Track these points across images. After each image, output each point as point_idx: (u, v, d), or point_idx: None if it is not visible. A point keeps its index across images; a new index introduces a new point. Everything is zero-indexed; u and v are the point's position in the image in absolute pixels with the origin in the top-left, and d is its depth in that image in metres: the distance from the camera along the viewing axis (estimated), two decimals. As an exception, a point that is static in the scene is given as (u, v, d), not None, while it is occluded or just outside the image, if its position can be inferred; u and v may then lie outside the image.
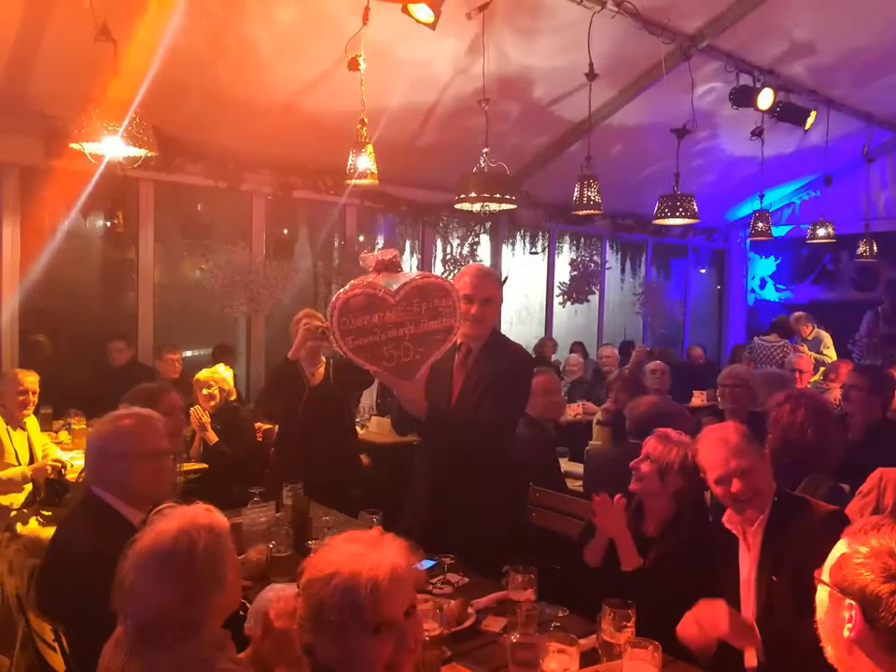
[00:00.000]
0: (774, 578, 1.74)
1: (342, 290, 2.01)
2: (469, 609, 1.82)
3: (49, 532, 2.41)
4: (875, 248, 6.58)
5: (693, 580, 1.90)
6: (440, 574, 2.05)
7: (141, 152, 2.83)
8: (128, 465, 1.79)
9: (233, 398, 3.84)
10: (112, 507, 1.76)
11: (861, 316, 8.26)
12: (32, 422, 3.54)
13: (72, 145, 2.80)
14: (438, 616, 1.59)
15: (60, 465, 3.31)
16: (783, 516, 1.81)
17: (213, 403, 3.66)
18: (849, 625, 0.99)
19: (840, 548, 1.05)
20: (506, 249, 6.88)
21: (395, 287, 2.02)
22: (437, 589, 1.96)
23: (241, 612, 1.78)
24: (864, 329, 8.07)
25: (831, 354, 6.43)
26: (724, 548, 1.90)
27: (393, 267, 2.08)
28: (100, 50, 2.71)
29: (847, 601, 0.99)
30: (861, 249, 6.59)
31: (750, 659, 1.79)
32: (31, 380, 3.49)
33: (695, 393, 5.03)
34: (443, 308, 2.05)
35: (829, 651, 1.05)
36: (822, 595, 1.05)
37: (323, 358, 3.22)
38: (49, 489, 3.41)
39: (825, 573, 1.05)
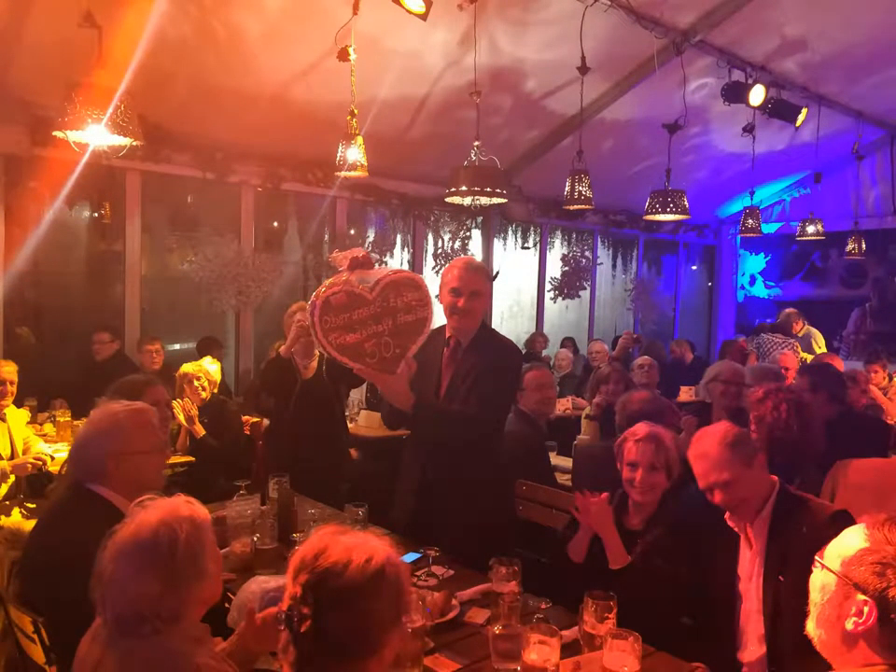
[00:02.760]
0: (781, 578, 1.75)
1: (321, 288, 1.99)
2: (454, 601, 1.82)
3: (31, 524, 2.38)
4: (864, 246, 6.63)
5: (682, 569, 1.91)
6: (424, 566, 2.05)
7: (126, 141, 2.79)
8: (135, 461, 1.78)
9: (215, 390, 3.82)
10: (114, 504, 1.74)
11: (848, 314, 8.32)
12: (13, 413, 3.49)
13: (55, 133, 2.76)
14: (421, 608, 1.58)
15: (41, 463, 3.27)
16: (786, 515, 1.82)
17: (203, 395, 3.64)
18: (857, 619, 0.99)
19: (857, 540, 1.04)
20: (497, 244, 6.88)
21: (370, 283, 2.02)
22: (421, 581, 1.96)
23: (226, 605, 1.77)
24: (852, 325, 8.14)
25: (822, 351, 6.47)
26: (725, 543, 1.91)
27: (366, 264, 2.08)
28: (84, 37, 2.67)
29: (862, 597, 0.99)
30: (849, 247, 6.63)
31: (750, 655, 1.81)
32: (8, 370, 3.44)
33: (682, 389, 5.05)
34: (415, 301, 2.08)
35: (820, 635, 1.05)
36: (827, 580, 1.04)
37: (317, 352, 3.20)
38: (33, 480, 3.38)
39: (835, 561, 1.04)
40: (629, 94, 5.10)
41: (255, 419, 4.09)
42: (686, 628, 1.96)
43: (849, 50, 5.01)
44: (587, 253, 7.55)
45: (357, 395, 4.74)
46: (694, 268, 9.06)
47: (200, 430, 3.58)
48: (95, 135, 2.74)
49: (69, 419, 3.87)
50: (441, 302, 2.33)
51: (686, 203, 4.57)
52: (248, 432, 4.02)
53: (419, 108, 4.87)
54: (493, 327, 2.57)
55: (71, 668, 1.33)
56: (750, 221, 5.78)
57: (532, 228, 7.11)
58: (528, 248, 7.14)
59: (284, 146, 4.96)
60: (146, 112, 3.53)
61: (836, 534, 1.10)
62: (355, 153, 3.31)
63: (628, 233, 7.87)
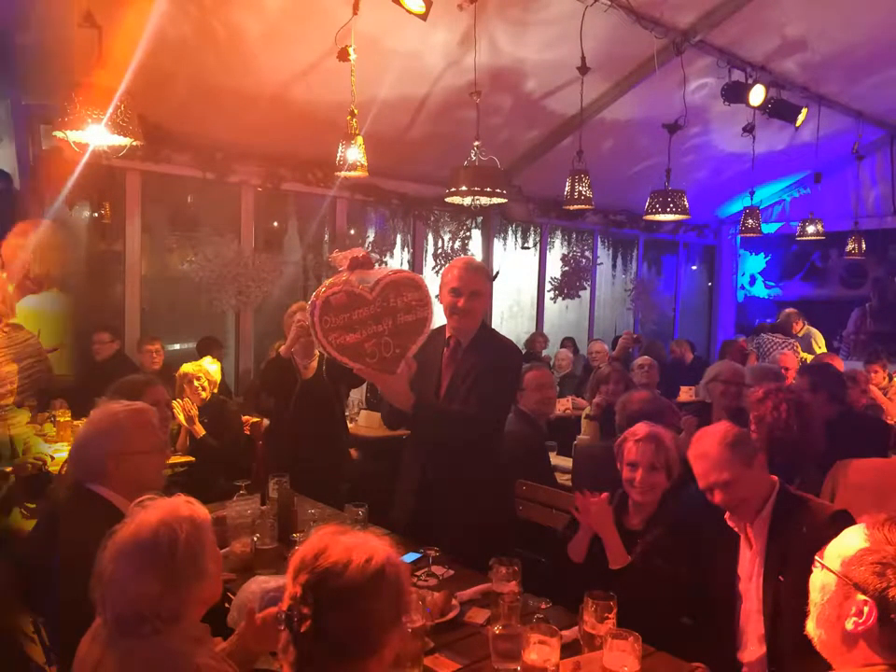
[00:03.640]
0: (781, 578, 1.76)
1: (321, 288, 2.00)
2: (454, 601, 1.82)
3: (31, 524, 2.38)
4: (864, 246, 6.63)
5: (682, 569, 1.91)
6: (424, 566, 2.05)
7: (126, 141, 2.79)
8: (135, 461, 1.78)
9: (215, 390, 3.82)
10: (114, 504, 1.74)
11: (848, 314, 8.32)
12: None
13: (55, 133, 2.76)
14: (421, 608, 1.58)
15: (41, 463, 3.27)
16: (786, 515, 1.83)
17: (203, 396, 3.65)
18: (857, 619, 1.00)
19: (857, 540, 1.04)
20: (497, 244, 6.88)
21: (370, 283, 2.02)
22: (421, 581, 1.96)
23: (226, 605, 1.77)
24: (852, 325, 8.14)
25: (822, 351, 6.47)
26: (725, 543, 1.91)
27: (366, 264, 2.08)
28: (84, 37, 2.67)
29: (862, 597, 0.99)
30: (849, 247, 6.63)
31: (750, 655, 1.81)
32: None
33: (682, 389, 5.05)
34: (415, 301, 2.09)
35: (820, 635, 1.05)
36: (827, 580, 1.04)
37: (317, 352, 3.20)
38: (32, 480, 3.37)
39: (835, 561, 1.04)
40: (629, 94, 5.10)
41: (255, 419, 4.09)
42: (686, 628, 1.96)
43: (849, 50, 5.01)
44: (587, 253, 7.55)
45: (356, 395, 4.75)
46: (694, 268, 9.06)
47: (200, 430, 3.58)
48: (95, 135, 2.74)
49: (69, 419, 3.87)
50: (441, 302, 2.33)
51: (686, 202, 4.57)
52: (248, 432, 4.01)
53: (419, 108, 4.87)
54: (493, 327, 2.57)
55: (71, 668, 1.33)
56: (750, 221, 5.78)
57: (532, 228, 7.11)
58: (528, 248, 7.14)
59: (284, 146, 4.96)
60: (146, 112, 3.53)
61: (836, 534, 1.10)
62: (355, 153, 3.31)
63: (628, 233, 7.87)
